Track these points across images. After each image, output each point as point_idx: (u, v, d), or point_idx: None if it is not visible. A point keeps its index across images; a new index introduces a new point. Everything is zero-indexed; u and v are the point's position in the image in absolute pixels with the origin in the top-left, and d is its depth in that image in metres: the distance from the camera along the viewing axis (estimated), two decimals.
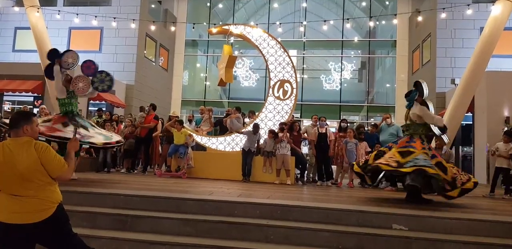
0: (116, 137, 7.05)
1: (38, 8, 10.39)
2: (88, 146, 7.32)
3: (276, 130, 8.25)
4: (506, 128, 9.51)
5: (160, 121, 9.63)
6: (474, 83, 8.33)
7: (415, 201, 5.65)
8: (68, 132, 6.12)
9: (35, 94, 13.19)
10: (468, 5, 10.90)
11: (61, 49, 7.24)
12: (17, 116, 2.76)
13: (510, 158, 7.38)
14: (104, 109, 11.72)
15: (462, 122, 9.16)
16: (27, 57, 16.00)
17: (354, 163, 6.41)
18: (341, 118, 10.08)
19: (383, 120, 8.83)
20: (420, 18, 14.35)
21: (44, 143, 2.72)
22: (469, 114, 11.46)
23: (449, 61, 14.88)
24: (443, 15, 11.84)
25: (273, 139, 8.07)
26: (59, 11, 13.39)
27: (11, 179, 2.56)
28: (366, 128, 10.51)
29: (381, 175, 6.15)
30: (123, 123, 10.06)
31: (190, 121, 10.57)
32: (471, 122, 11.63)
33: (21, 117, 2.74)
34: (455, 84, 12.75)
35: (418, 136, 5.84)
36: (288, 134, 8.11)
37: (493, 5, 8.36)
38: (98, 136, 6.61)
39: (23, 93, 13.06)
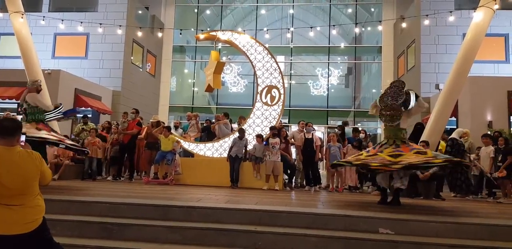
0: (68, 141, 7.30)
1: (22, 14, 10.23)
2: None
3: (266, 135, 8.26)
4: (489, 132, 9.70)
5: (147, 127, 9.52)
6: (457, 88, 8.49)
7: (395, 203, 5.83)
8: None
9: (19, 101, 12.95)
10: (451, 12, 11.08)
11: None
12: (12, 124, 2.54)
13: (493, 162, 7.51)
14: (90, 115, 11.57)
15: (446, 126, 9.29)
16: (11, 63, 15.72)
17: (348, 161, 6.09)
18: (338, 124, 10.04)
19: None
20: (404, 25, 14.60)
21: (37, 152, 2.64)
22: (453, 118, 11.66)
23: (433, 66, 15.15)
24: (427, 22, 12.07)
25: (263, 144, 8.06)
26: (44, 17, 13.20)
27: (10, 188, 2.43)
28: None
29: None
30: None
31: (176, 127, 10.49)
32: (455, 126, 11.84)
33: (17, 125, 2.57)
34: (439, 89, 12.98)
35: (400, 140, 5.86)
36: (278, 140, 8.09)
37: (474, 11, 8.56)
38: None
39: (7, 100, 12.82)
